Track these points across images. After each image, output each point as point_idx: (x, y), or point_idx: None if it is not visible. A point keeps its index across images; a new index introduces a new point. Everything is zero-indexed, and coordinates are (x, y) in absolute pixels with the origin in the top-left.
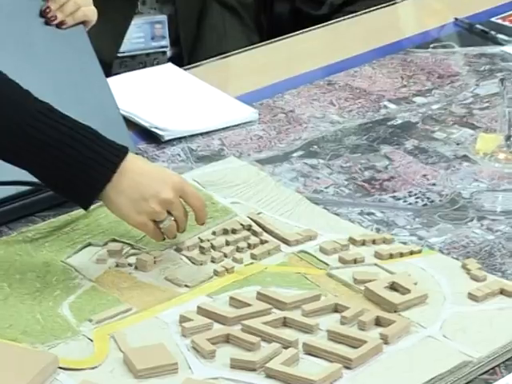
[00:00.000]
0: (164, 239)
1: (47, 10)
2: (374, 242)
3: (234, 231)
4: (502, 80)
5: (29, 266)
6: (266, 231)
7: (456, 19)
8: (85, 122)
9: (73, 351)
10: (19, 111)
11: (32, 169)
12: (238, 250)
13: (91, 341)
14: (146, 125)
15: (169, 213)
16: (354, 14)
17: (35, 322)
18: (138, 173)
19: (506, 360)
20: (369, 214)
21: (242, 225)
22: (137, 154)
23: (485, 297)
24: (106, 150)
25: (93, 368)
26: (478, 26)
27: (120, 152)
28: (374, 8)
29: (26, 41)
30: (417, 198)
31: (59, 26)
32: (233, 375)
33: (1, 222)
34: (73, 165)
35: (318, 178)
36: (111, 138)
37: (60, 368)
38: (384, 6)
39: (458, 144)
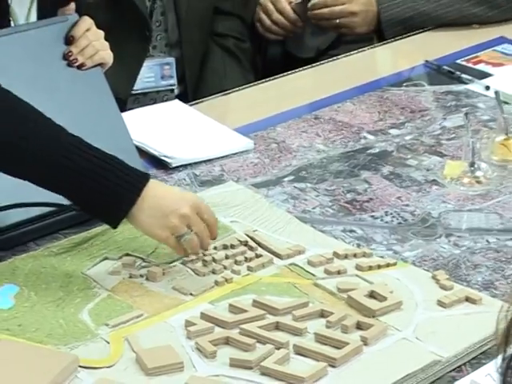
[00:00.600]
0: (188, 255)
1: (69, 54)
2: (355, 255)
3: (232, 246)
4: (466, 114)
5: (53, 277)
6: (260, 246)
7: (426, 61)
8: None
9: (91, 352)
10: (55, 144)
11: (66, 194)
12: (236, 262)
13: (108, 343)
14: (156, 153)
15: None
16: (336, 57)
17: (58, 326)
18: (159, 194)
19: (471, 359)
20: (350, 231)
21: (239, 241)
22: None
23: (452, 304)
24: (131, 177)
25: (109, 367)
26: (445, 67)
27: (143, 178)
28: (355, 52)
29: (50, 80)
30: (392, 217)
31: (79, 67)
32: (232, 373)
33: (29, 238)
34: (103, 191)
35: (305, 200)
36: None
37: (80, 367)
38: (363, 50)
39: (428, 170)
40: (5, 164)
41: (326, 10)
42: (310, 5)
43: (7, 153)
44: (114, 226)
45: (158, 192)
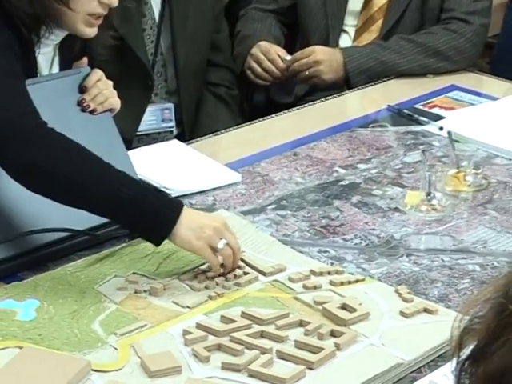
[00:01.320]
0: (222, 269)
1: (83, 101)
2: (329, 273)
3: (222, 266)
4: (423, 151)
5: (69, 293)
6: (247, 265)
7: (388, 106)
8: None
9: (102, 357)
10: (112, 179)
11: (117, 219)
12: (227, 279)
13: (116, 349)
14: (156, 184)
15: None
16: (312, 102)
17: (73, 335)
18: (193, 215)
19: (430, 362)
20: (325, 251)
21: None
22: None
23: (412, 314)
24: (173, 204)
25: (117, 370)
26: (405, 110)
27: (180, 204)
28: (328, 98)
29: (67, 123)
30: (361, 239)
31: (92, 112)
32: (223, 375)
33: (48, 259)
34: (151, 216)
35: (286, 225)
36: None
37: (92, 370)
38: (334, 96)
39: (391, 199)
40: (65, 196)
41: (295, 65)
42: (285, 62)
43: (72, 188)
44: (158, 244)
45: (192, 213)
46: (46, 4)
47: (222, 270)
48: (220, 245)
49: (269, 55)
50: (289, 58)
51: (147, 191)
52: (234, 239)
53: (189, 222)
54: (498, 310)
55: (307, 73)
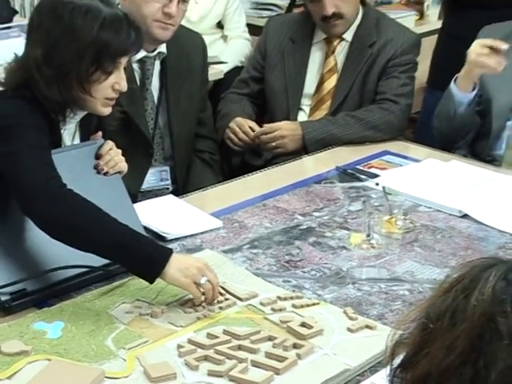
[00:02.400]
0: (204, 301)
1: (98, 165)
2: (291, 298)
3: None
4: (363, 202)
5: (87, 316)
6: (228, 292)
7: (337, 167)
8: None
9: (113, 367)
10: (116, 230)
11: (120, 261)
12: (211, 304)
13: (124, 360)
14: (157, 230)
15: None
16: (278, 164)
17: (91, 350)
18: (180, 258)
19: (371, 367)
20: (288, 281)
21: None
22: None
23: (357, 330)
24: (164, 250)
25: (125, 377)
26: (349, 170)
27: (169, 250)
28: (290, 160)
29: (85, 183)
30: (316, 271)
31: (105, 174)
32: (209, 380)
33: (71, 290)
34: (146, 260)
35: (258, 261)
36: None
37: (106, 377)
38: (295, 159)
39: (339, 239)
40: (78, 243)
41: (264, 137)
42: (255, 133)
43: (84, 237)
44: (151, 282)
45: (179, 256)
46: (73, 94)
47: (203, 300)
48: (202, 281)
49: (243, 128)
50: (258, 129)
51: (143, 239)
52: (213, 276)
53: (177, 264)
54: (421, 328)
55: (274, 144)
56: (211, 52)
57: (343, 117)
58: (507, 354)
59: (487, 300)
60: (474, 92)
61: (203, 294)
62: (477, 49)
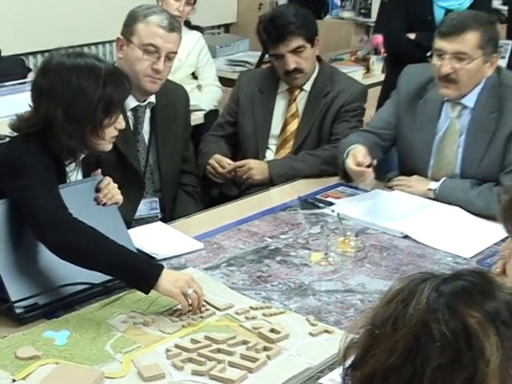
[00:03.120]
0: (190, 310)
1: (98, 198)
2: (262, 308)
3: (191, 305)
4: (322, 226)
5: (89, 325)
6: (208, 304)
7: (299, 197)
8: None
9: (112, 368)
10: (116, 250)
11: (120, 277)
12: (194, 314)
13: (121, 363)
14: (148, 252)
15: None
16: (250, 195)
17: (93, 354)
18: (170, 272)
19: (329, 365)
20: (259, 294)
21: None
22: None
23: (317, 334)
24: (157, 266)
25: (122, 377)
26: (309, 199)
27: (161, 266)
28: (259, 192)
29: (87, 213)
30: (282, 285)
31: (104, 205)
32: (193, 378)
33: (75, 303)
34: (142, 274)
35: (233, 277)
36: None
37: (105, 377)
38: (264, 190)
39: (301, 258)
40: (84, 263)
41: (237, 170)
42: (230, 167)
43: (88, 258)
44: (147, 292)
45: (169, 271)
46: (87, 141)
47: (190, 309)
48: (189, 291)
49: (221, 163)
50: (232, 165)
51: (138, 258)
52: (198, 288)
53: (167, 277)
54: (368, 334)
55: (244, 176)
56: (191, 100)
57: (303, 155)
58: (439, 354)
59: (422, 309)
60: None
61: (190, 305)
62: (352, 169)
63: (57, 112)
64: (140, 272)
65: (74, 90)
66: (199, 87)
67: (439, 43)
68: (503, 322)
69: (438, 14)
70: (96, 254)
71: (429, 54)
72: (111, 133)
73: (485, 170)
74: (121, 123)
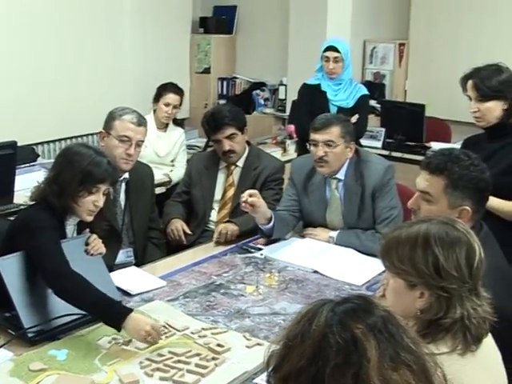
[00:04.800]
0: (148, 345)
1: (87, 250)
2: (210, 328)
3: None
4: (253, 266)
5: (83, 345)
6: (170, 327)
7: (236, 245)
8: (105, 290)
9: (99, 377)
10: (96, 296)
11: (95, 315)
12: (159, 334)
13: (107, 373)
14: (125, 288)
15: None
16: (201, 244)
17: (85, 366)
18: (137, 317)
19: (261, 369)
20: (208, 318)
21: (163, 326)
22: (121, 302)
23: (253, 346)
24: (124, 309)
25: (107, 383)
26: (244, 246)
27: (128, 309)
28: (206, 242)
29: (80, 261)
30: (225, 310)
31: (91, 255)
32: (161, 383)
33: (72, 329)
34: (113, 316)
35: (189, 306)
36: (113, 296)
37: None
38: (210, 242)
39: (239, 290)
40: (73, 302)
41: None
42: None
43: (76, 299)
44: (118, 331)
45: (137, 315)
46: (68, 203)
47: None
48: (148, 338)
49: (179, 233)
50: (187, 229)
51: (112, 302)
52: (156, 333)
53: (133, 323)
54: (284, 345)
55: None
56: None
57: (241, 216)
58: (335, 356)
59: (322, 325)
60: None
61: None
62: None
63: (50, 174)
64: (111, 314)
65: (65, 162)
66: (173, 167)
67: (313, 136)
68: (379, 330)
69: (333, 110)
70: (83, 299)
71: (307, 144)
72: (88, 205)
73: (364, 223)
74: (99, 202)
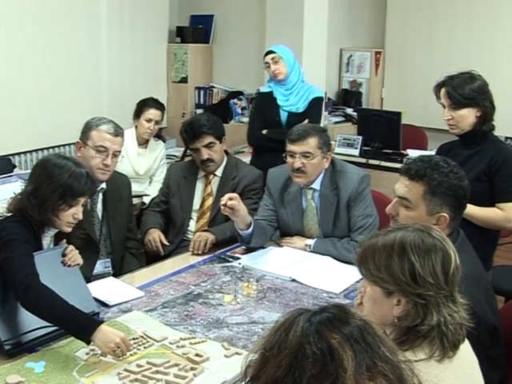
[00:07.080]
0: (118, 357)
1: (64, 261)
2: (189, 338)
3: (136, 338)
4: (231, 275)
5: (60, 357)
6: (148, 337)
7: (214, 254)
8: (82, 302)
9: None
10: (65, 308)
11: (65, 328)
12: (139, 345)
13: None
14: (102, 299)
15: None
16: (179, 254)
17: (63, 378)
18: (106, 329)
19: (240, 378)
20: (187, 328)
21: (141, 336)
22: (99, 312)
23: (231, 355)
24: (94, 321)
25: None
26: (222, 256)
27: (98, 322)
28: (184, 252)
29: (56, 272)
30: (204, 320)
31: (68, 266)
32: None
33: (49, 340)
34: (82, 328)
35: (167, 316)
36: (90, 307)
37: None
38: (188, 251)
39: (218, 299)
40: (41, 315)
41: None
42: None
43: (44, 312)
44: (88, 344)
45: (106, 328)
46: (47, 216)
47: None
48: (117, 352)
49: (156, 244)
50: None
51: (80, 315)
52: (124, 347)
53: (102, 336)
54: (261, 356)
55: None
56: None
57: (220, 225)
58: (312, 366)
59: (299, 335)
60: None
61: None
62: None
63: (28, 188)
64: (80, 326)
65: (45, 176)
66: (150, 181)
67: (290, 147)
68: (356, 340)
69: (283, 116)
70: (49, 312)
71: (284, 155)
72: (67, 217)
73: (339, 231)
74: (79, 215)
